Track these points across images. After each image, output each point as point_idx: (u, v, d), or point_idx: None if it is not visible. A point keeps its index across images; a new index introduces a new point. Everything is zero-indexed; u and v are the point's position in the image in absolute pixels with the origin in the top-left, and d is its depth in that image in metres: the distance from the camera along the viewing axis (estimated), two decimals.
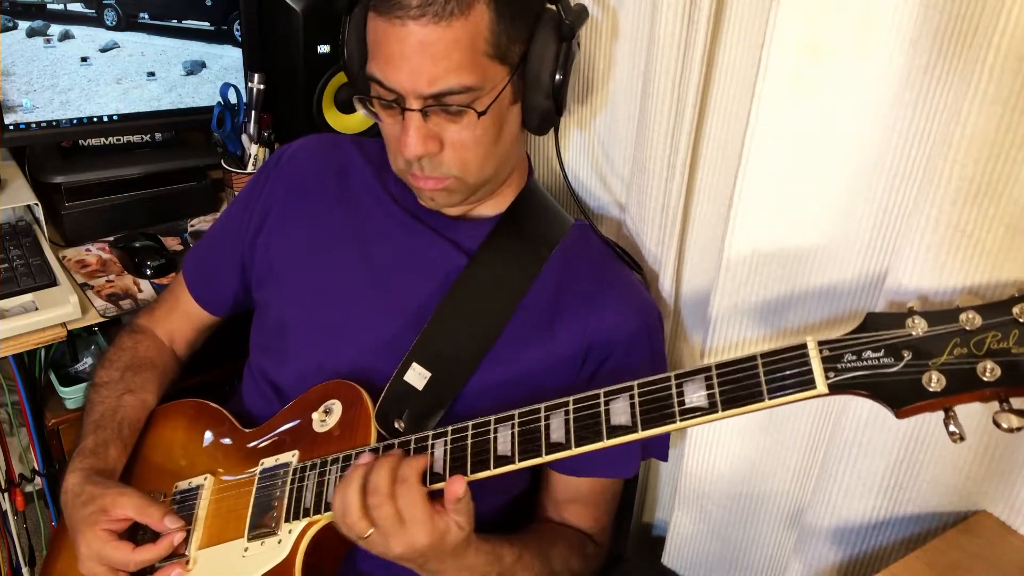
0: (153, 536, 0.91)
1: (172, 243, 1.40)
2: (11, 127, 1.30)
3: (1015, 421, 0.63)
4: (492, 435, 0.81)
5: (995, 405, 0.65)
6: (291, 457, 0.93)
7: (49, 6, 1.29)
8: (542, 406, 0.80)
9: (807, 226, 0.88)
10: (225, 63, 1.46)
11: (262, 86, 1.44)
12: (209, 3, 1.41)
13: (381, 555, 0.81)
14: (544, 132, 0.99)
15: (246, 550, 0.89)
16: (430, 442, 0.83)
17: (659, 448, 1.06)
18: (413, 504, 0.78)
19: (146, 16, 1.37)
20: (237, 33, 1.45)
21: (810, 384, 0.69)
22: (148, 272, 1.31)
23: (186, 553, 0.92)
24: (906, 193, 0.81)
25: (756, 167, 0.87)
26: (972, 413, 0.76)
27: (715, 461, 1.03)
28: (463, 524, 0.81)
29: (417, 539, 0.78)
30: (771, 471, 1.02)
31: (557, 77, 0.92)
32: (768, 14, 0.80)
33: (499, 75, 0.89)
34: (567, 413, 0.78)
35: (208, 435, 1.03)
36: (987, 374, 0.63)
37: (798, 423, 0.98)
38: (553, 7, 0.93)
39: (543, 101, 0.94)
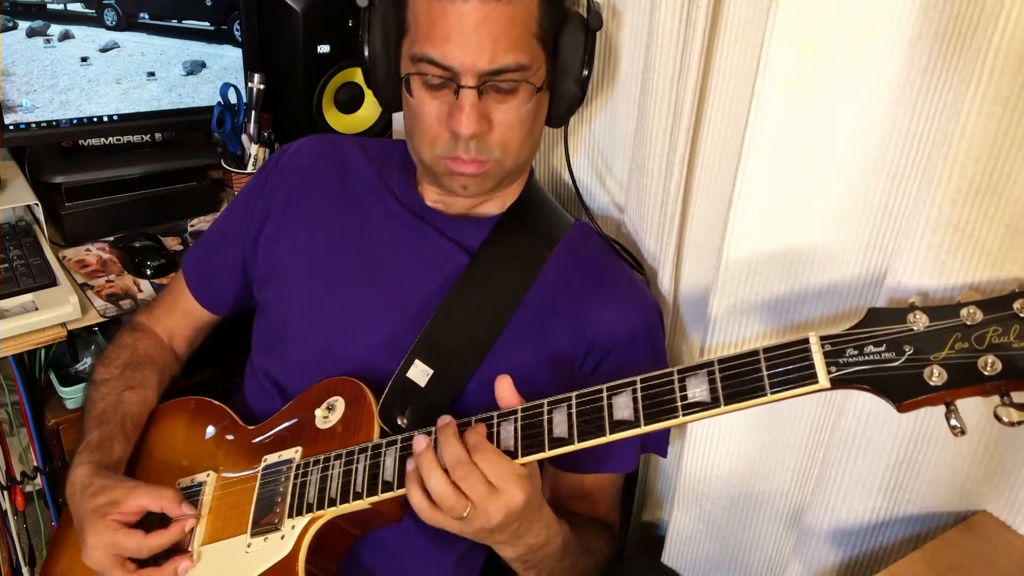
0: (162, 526, 0.91)
1: (172, 243, 1.40)
2: (11, 127, 1.30)
3: (1015, 415, 0.64)
4: (495, 430, 0.81)
5: (996, 400, 0.65)
6: (294, 453, 0.93)
7: (49, 6, 1.29)
8: (545, 401, 0.80)
9: (806, 226, 0.88)
10: (225, 63, 1.46)
11: (262, 86, 1.44)
12: (209, 3, 1.42)
13: (478, 534, 0.79)
14: (563, 123, 1.01)
15: (249, 546, 0.89)
16: (434, 437, 0.83)
17: (658, 444, 1.06)
18: (495, 464, 0.77)
19: (146, 16, 1.37)
20: (237, 33, 1.45)
21: (812, 379, 0.69)
22: (148, 272, 1.31)
23: (189, 549, 0.92)
24: (906, 193, 0.81)
25: (755, 167, 0.87)
26: (972, 414, 0.76)
27: (714, 461, 1.03)
28: (532, 472, 0.81)
29: (514, 498, 0.77)
30: (771, 471, 1.02)
31: (585, 67, 0.95)
32: (767, 14, 0.80)
33: (540, 58, 0.91)
34: (570, 408, 0.78)
35: (210, 432, 1.03)
36: (988, 368, 0.64)
37: (798, 423, 0.98)
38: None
39: (572, 88, 0.96)
